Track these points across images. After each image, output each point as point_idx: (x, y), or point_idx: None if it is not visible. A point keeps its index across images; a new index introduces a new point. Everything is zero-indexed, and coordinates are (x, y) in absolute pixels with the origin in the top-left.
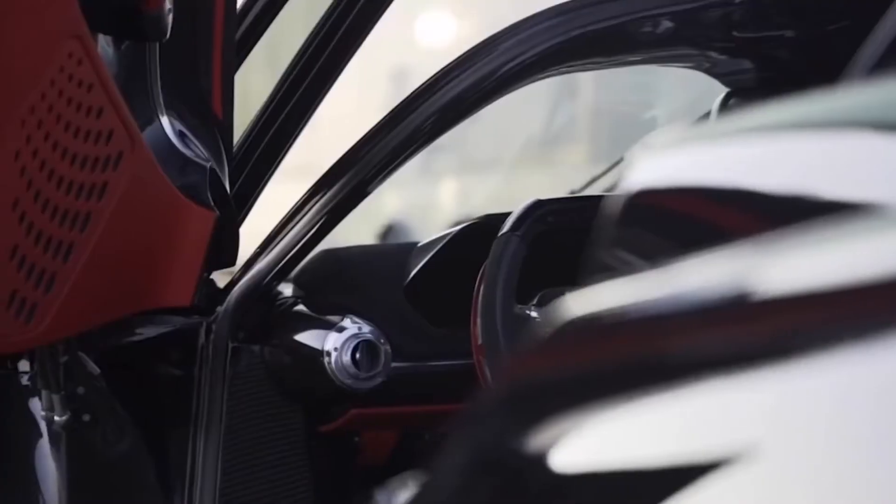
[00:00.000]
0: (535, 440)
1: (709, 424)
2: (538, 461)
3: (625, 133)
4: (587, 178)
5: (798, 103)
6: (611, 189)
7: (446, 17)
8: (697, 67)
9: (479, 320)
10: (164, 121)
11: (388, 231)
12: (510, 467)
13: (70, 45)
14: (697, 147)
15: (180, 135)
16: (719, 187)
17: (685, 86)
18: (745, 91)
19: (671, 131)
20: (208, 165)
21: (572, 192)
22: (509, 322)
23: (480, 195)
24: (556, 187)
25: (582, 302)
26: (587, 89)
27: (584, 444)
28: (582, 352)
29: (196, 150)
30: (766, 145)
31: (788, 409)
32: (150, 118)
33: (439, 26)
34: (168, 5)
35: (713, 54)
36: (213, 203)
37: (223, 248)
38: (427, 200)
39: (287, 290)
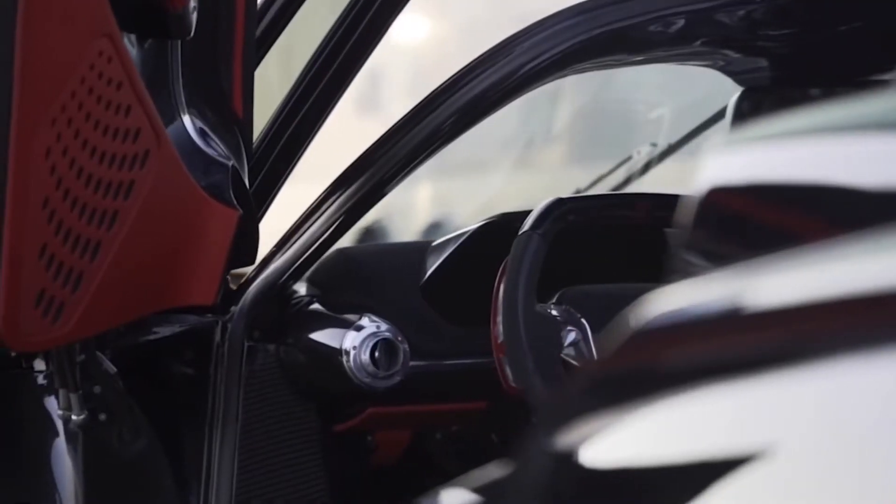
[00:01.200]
0: (589, 435)
1: (741, 422)
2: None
3: (604, 133)
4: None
5: (860, 103)
6: (620, 187)
7: (418, 18)
8: (712, 65)
9: (499, 318)
10: (186, 119)
11: (365, 235)
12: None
13: (101, 43)
14: (766, 146)
15: (201, 133)
16: (787, 188)
17: (665, 84)
18: (759, 90)
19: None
20: (230, 164)
21: (578, 191)
22: (531, 320)
23: (457, 198)
24: (534, 189)
25: (659, 302)
26: (565, 90)
27: (632, 438)
28: (650, 351)
29: (217, 149)
30: (832, 146)
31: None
32: (172, 117)
33: (411, 26)
34: (193, 3)
35: (729, 53)
36: (235, 202)
37: (243, 246)
38: (402, 203)
39: (302, 289)
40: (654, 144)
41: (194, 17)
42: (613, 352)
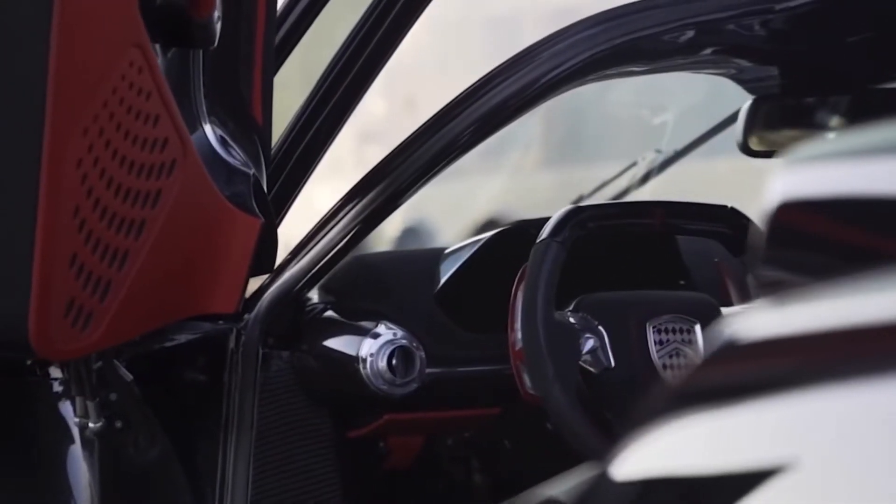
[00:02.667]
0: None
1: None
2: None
3: (576, 137)
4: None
5: None
6: (623, 194)
7: None
8: (724, 74)
9: (517, 326)
10: (207, 128)
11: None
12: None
13: (132, 53)
14: (839, 161)
15: (222, 141)
16: (859, 204)
17: (636, 89)
18: (770, 97)
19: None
20: (251, 172)
21: (581, 197)
22: (550, 328)
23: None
24: (508, 194)
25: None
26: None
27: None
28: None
29: (238, 157)
30: None
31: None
32: (193, 126)
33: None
34: (217, 12)
35: (741, 61)
36: (257, 210)
37: (263, 254)
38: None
39: (315, 295)
40: (658, 151)
41: (219, 26)
42: (703, 364)
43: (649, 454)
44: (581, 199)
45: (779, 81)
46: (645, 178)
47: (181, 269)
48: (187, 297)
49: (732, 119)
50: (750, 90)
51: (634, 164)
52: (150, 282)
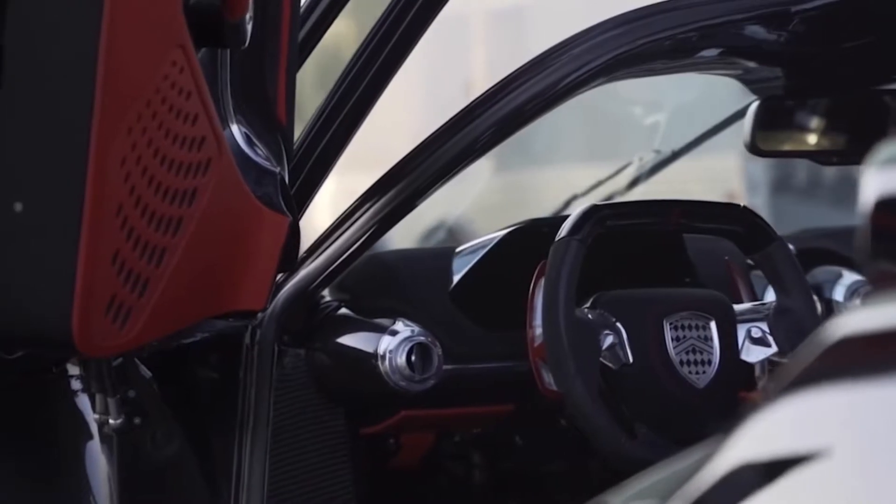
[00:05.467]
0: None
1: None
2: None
3: (531, 137)
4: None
5: None
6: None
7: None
8: (731, 74)
9: (536, 322)
10: (234, 128)
11: None
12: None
13: (174, 53)
14: None
15: (248, 141)
16: None
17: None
18: (777, 98)
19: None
20: (277, 171)
21: (574, 196)
22: (571, 325)
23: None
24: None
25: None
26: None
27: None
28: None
29: (264, 156)
30: None
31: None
32: (222, 125)
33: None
34: (249, 13)
35: (752, 63)
36: (285, 208)
37: (287, 252)
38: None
39: (329, 293)
40: (657, 151)
41: (250, 27)
42: (815, 357)
43: (761, 439)
44: (574, 198)
45: (784, 82)
46: (637, 179)
47: (213, 266)
48: (219, 293)
49: (730, 120)
50: (754, 91)
51: (630, 163)
52: (184, 279)
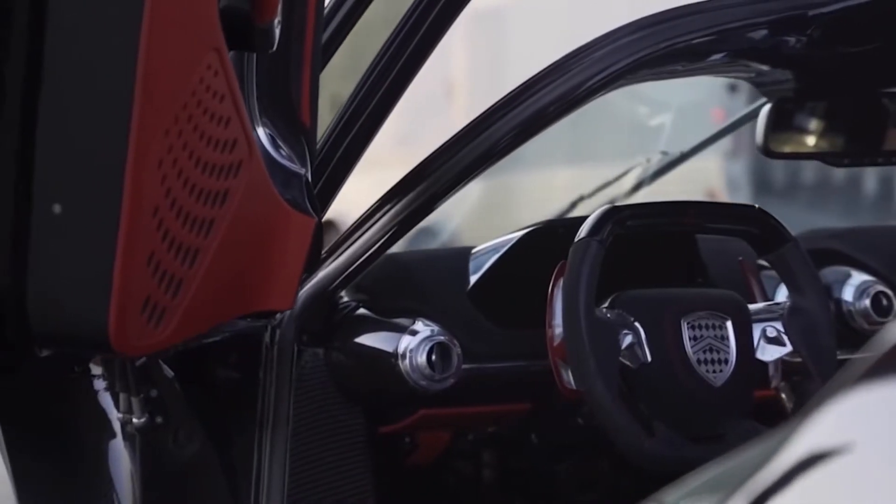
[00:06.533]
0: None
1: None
2: None
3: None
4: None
5: None
6: (629, 194)
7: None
8: (743, 77)
9: (556, 322)
10: (261, 130)
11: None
12: None
13: (210, 57)
14: None
15: (273, 143)
16: None
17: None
18: (789, 100)
19: None
20: (303, 172)
21: (581, 197)
22: (592, 324)
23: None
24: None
25: None
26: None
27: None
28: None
29: (289, 158)
30: None
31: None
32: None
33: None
34: (278, 18)
35: (765, 66)
36: (311, 209)
37: (311, 252)
38: None
39: (348, 294)
40: (664, 153)
41: (278, 31)
42: (885, 352)
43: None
44: (581, 199)
45: (795, 85)
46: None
47: (243, 267)
48: (248, 294)
49: (740, 122)
50: (764, 93)
51: (638, 165)
52: (215, 280)
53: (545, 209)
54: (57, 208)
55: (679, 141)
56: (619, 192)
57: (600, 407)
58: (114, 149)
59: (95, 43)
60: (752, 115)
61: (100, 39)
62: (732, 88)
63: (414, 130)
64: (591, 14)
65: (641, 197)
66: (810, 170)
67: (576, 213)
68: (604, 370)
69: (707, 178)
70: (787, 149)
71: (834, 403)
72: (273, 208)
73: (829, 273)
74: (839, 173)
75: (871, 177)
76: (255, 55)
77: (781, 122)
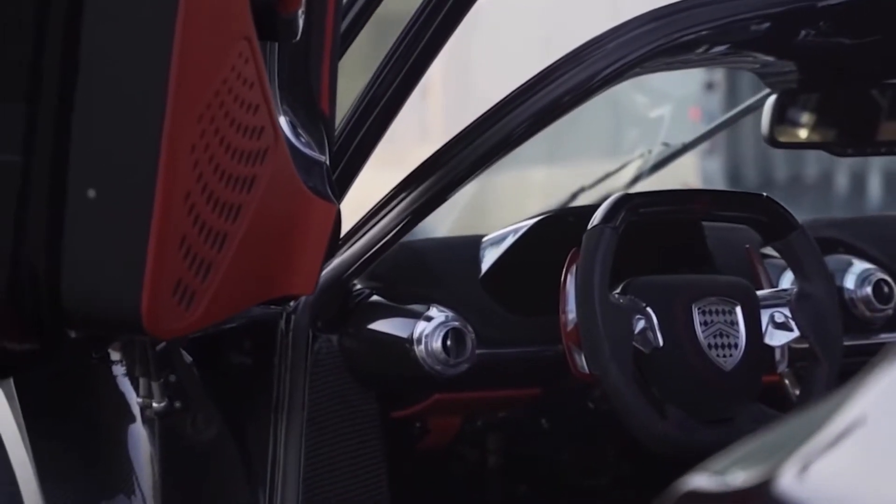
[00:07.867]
0: None
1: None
2: None
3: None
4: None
5: None
6: (629, 185)
7: None
8: (747, 68)
9: (569, 307)
10: (282, 119)
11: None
12: None
13: (241, 45)
14: None
15: (294, 131)
16: None
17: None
18: (793, 92)
19: None
20: (323, 160)
21: (582, 188)
22: (606, 309)
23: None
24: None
25: None
26: (437, 88)
27: None
28: None
29: (309, 146)
30: None
31: None
32: None
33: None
34: (302, 9)
35: (770, 57)
36: (332, 196)
37: (331, 238)
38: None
39: (361, 281)
40: (666, 144)
41: (302, 20)
42: None
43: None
44: (582, 190)
45: (800, 76)
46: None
47: (268, 252)
48: (272, 279)
49: (742, 113)
50: (768, 84)
51: (640, 156)
52: (242, 264)
53: (553, 197)
54: (91, 193)
55: (653, 136)
56: (617, 185)
57: (614, 390)
58: (148, 134)
59: (131, 32)
60: (755, 107)
61: (136, 29)
62: (709, 87)
63: (392, 129)
64: (565, 15)
65: (637, 189)
66: (782, 167)
67: (576, 202)
68: (618, 354)
69: (684, 174)
70: (792, 139)
71: (887, 371)
72: (296, 195)
73: (831, 261)
74: (811, 170)
75: (842, 173)
76: (276, 44)
77: (786, 113)
